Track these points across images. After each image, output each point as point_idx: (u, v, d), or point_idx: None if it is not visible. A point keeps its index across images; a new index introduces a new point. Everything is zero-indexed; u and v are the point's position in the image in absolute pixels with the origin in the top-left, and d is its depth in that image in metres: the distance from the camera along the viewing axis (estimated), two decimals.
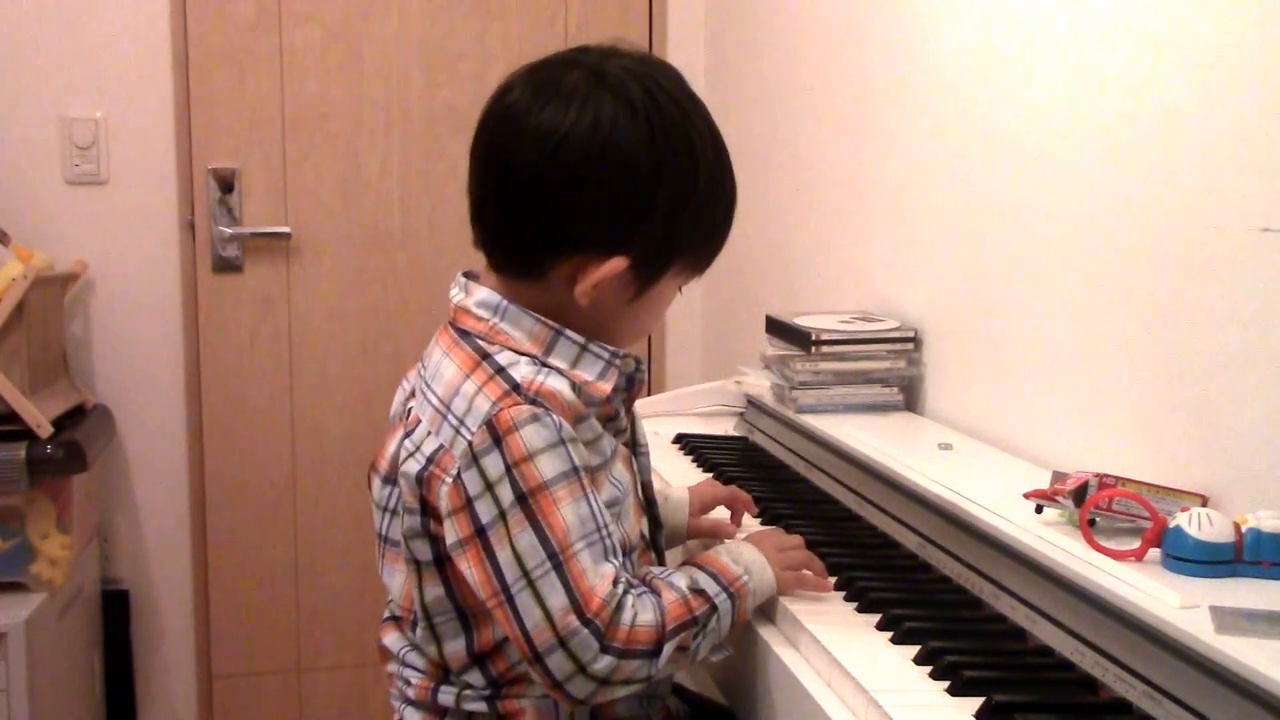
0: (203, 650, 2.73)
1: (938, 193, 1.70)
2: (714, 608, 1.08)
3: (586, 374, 1.12)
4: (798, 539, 1.23)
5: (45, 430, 2.19)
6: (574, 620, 1.01)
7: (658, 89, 1.11)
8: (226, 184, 2.64)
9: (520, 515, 1.03)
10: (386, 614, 1.21)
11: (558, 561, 1.02)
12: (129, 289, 2.61)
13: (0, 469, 2.14)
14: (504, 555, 1.03)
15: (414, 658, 1.17)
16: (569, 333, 1.12)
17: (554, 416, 1.06)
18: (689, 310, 2.87)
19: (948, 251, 1.67)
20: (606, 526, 1.06)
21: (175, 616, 2.71)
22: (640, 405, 2.01)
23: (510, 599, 1.03)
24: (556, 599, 1.02)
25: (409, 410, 1.15)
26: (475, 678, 1.13)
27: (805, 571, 1.18)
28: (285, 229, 2.67)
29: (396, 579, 1.16)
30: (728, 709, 1.28)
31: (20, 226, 2.46)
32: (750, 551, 1.15)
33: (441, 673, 1.15)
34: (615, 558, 1.06)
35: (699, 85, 2.79)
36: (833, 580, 1.20)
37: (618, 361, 1.14)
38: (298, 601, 2.76)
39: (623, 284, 1.13)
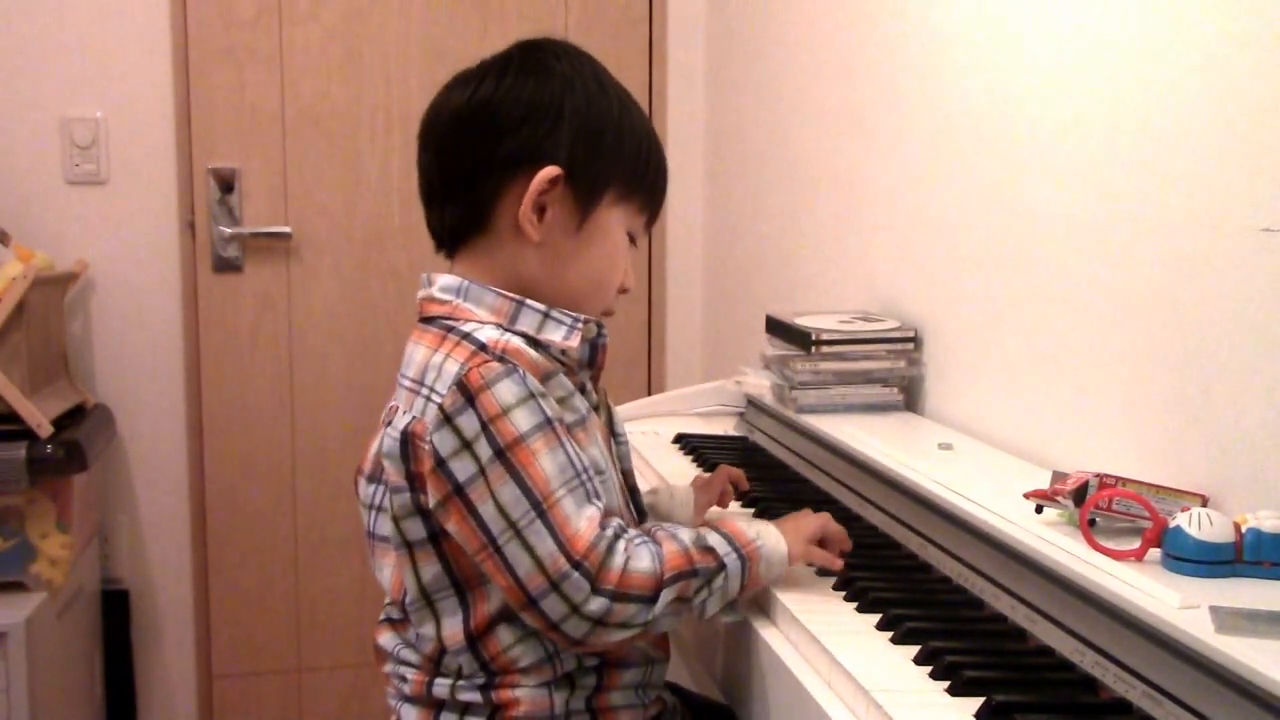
0: (203, 650, 2.73)
1: (938, 193, 1.70)
2: (722, 565, 1.10)
3: (552, 336, 1.16)
4: (823, 516, 1.23)
5: (45, 430, 2.19)
6: (564, 564, 1.04)
7: (564, 51, 1.22)
8: (226, 184, 2.64)
9: (500, 469, 1.06)
10: (382, 616, 1.22)
11: (541, 510, 1.05)
12: (129, 289, 2.61)
13: (0, 469, 2.14)
14: (488, 510, 1.06)
15: (408, 654, 1.18)
16: (531, 302, 1.16)
17: (522, 371, 1.09)
18: (689, 310, 2.87)
19: (948, 251, 1.67)
20: (586, 471, 1.09)
21: (175, 616, 2.71)
22: (640, 405, 2.04)
23: (499, 550, 1.06)
24: (545, 545, 1.04)
25: (391, 407, 1.17)
26: (468, 663, 1.13)
27: (817, 548, 1.19)
28: (285, 229, 2.67)
29: (386, 572, 1.18)
30: (727, 709, 1.28)
31: (20, 226, 2.47)
32: (762, 523, 1.17)
33: (435, 667, 1.16)
34: (598, 500, 1.09)
35: (699, 85, 2.82)
36: (810, 583, 1.20)
37: (580, 325, 1.17)
38: (298, 601, 2.76)
39: (565, 208, 1.17)
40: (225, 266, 2.67)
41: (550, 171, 1.15)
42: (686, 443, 1.81)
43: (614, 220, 1.20)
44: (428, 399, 1.10)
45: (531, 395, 1.08)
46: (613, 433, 1.25)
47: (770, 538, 1.14)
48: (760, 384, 1.85)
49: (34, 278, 2.24)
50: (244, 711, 2.76)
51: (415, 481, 1.11)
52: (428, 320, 1.19)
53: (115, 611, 2.65)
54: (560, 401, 1.12)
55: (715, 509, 1.42)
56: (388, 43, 2.70)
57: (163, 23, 2.57)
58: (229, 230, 2.64)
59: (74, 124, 2.55)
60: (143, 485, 2.67)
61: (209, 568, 2.72)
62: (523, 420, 1.07)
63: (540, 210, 1.16)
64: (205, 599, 2.72)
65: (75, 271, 2.52)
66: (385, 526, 1.15)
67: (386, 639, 1.20)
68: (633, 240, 1.24)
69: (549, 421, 1.08)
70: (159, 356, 2.64)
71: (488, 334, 1.13)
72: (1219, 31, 1.15)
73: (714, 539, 1.11)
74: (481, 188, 1.17)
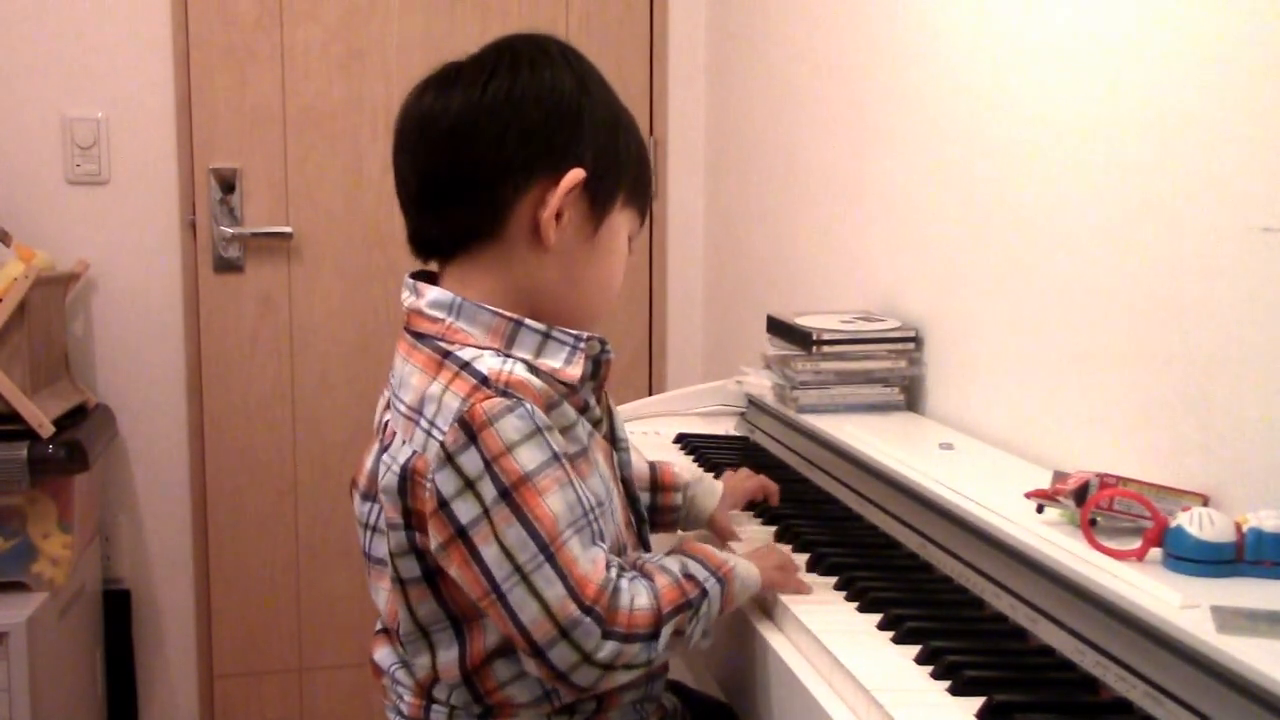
0: (204, 650, 2.73)
1: (938, 192, 1.70)
2: (705, 592, 1.08)
3: (552, 362, 1.10)
4: (782, 552, 1.24)
5: (47, 430, 2.20)
6: (574, 610, 1.00)
7: (565, 47, 1.17)
8: (227, 184, 2.65)
9: (506, 510, 1.01)
10: (378, 626, 1.20)
11: (549, 553, 1.00)
12: (130, 289, 2.61)
13: (2, 468, 2.14)
14: (491, 552, 1.01)
15: (403, 675, 1.16)
16: (529, 322, 1.11)
17: (528, 405, 1.04)
18: (689, 310, 2.87)
19: (948, 251, 1.67)
20: (593, 510, 1.05)
21: (176, 616, 2.71)
22: (640, 405, 2.04)
23: (502, 596, 1.01)
24: (553, 590, 1.00)
25: (385, 423, 1.13)
26: (460, 695, 1.11)
27: (787, 569, 1.19)
28: (286, 229, 2.67)
29: (382, 596, 1.15)
30: (728, 707, 1.28)
31: (22, 226, 2.47)
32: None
33: (429, 693, 1.14)
34: (602, 541, 1.05)
35: (699, 84, 2.81)
36: (810, 583, 1.20)
37: (583, 345, 1.12)
38: (298, 601, 2.76)
39: (580, 212, 1.13)
40: (226, 266, 2.67)
41: (578, 174, 1.10)
42: (687, 443, 1.81)
43: (621, 225, 1.17)
44: (428, 433, 1.05)
45: (538, 430, 1.03)
46: (614, 439, 1.22)
47: (741, 561, 1.14)
48: (761, 384, 1.85)
49: (35, 278, 2.24)
50: (245, 711, 2.76)
51: (412, 519, 1.07)
52: (417, 335, 1.13)
53: (116, 611, 2.65)
54: (563, 432, 1.08)
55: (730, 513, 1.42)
56: (388, 43, 2.70)
57: (164, 23, 2.57)
58: (230, 230, 2.65)
59: (75, 124, 2.55)
60: (144, 485, 2.67)
61: (210, 567, 2.72)
62: (528, 458, 1.02)
63: (557, 215, 1.11)
64: (206, 599, 2.72)
65: (76, 271, 2.52)
66: (381, 548, 1.11)
67: (383, 655, 1.19)
68: (629, 246, 1.21)
69: (557, 458, 1.03)
70: (160, 356, 2.64)
71: (489, 364, 1.07)
72: (1219, 31, 1.15)
73: (693, 566, 1.09)
74: (499, 189, 1.11)
